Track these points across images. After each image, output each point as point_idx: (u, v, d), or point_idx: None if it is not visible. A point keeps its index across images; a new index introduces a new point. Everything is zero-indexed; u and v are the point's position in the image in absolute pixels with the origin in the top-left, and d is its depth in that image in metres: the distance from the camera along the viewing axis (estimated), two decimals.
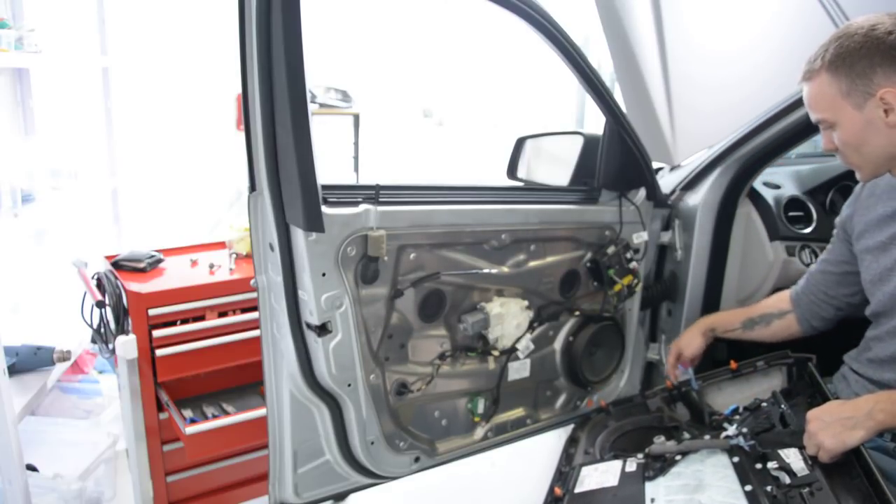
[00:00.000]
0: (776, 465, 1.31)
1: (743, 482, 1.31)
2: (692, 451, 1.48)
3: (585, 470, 1.58)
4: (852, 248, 1.61)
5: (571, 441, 1.76)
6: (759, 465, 1.34)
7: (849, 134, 1.38)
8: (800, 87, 1.45)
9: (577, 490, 1.51)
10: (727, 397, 1.75)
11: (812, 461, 1.30)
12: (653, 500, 1.37)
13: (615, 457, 1.59)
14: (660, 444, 1.54)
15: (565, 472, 1.61)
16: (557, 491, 1.52)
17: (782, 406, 1.52)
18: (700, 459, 1.45)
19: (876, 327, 1.52)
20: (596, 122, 2.39)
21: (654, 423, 1.72)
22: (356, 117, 4.93)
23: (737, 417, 1.58)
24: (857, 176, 1.47)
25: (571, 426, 1.86)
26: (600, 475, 1.53)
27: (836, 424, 1.28)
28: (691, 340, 1.82)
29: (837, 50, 1.34)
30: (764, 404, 1.55)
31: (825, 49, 1.36)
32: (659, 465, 1.46)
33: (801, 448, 1.34)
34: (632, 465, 1.52)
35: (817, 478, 1.25)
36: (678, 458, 1.47)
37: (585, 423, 1.81)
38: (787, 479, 1.28)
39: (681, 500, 1.33)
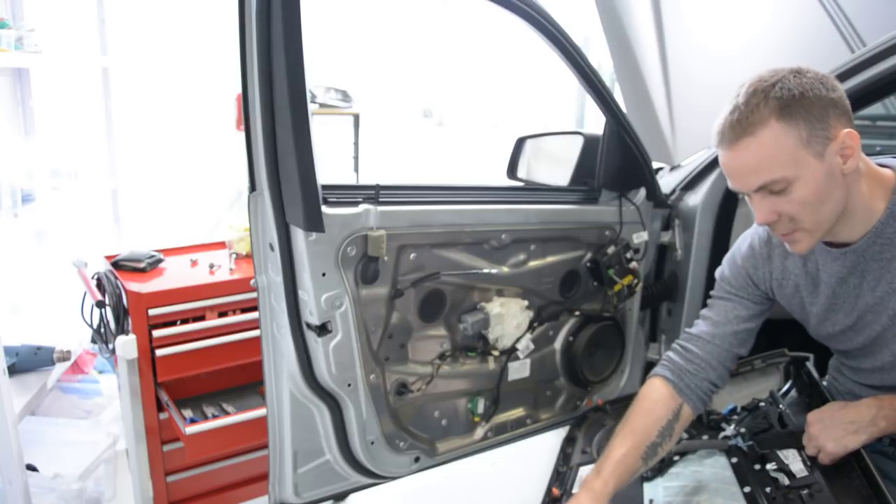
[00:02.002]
0: (775, 467, 1.31)
1: (742, 483, 1.31)
2: (690, 452, 1.48)
3: (583, 470, 1.58)
4: (767, 302, 1.49)
5: (568, 440, 1.76)
6: (757, 466, 1.34)
7: (811, 190, 1.17)
8: (723, 154, 1.22)
9: (575, 490, 1.51)
10: (725, 396, 1.74)
11: (811, 462, 1.30)
12: (651, 500, 1.37)
13: None
14: None
15: (563, 472, 1.61)
16: (555, 491, 1.52)
17: (780, 406, 1.52)
18: (698, 460, 1.45)
19: (852, 359, 1.45)
20: (596, 122, 2.39)
21: None
22: (356, 117, 4.94)
23: (735, 417, 1.58)
24: (798, 247, 1.26)
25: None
26: None
27: (837, 428, 1.27)
28: None
29: (782, 93, 1.15)
30: (762, 404, 1.55)
31: (760, 98, 1.16)
32: (657, 466, 1.46)
33: (800, 449, 1.34)
34: None
35: (816, 479, 1.25)
36: (676, 458, 1.47)
37: (582, 422, 1.81)
38: (786, 481, 1.28)
39: (679, 502, 1.33)
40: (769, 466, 1.33)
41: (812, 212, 1.20)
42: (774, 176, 1.17)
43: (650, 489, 1.41)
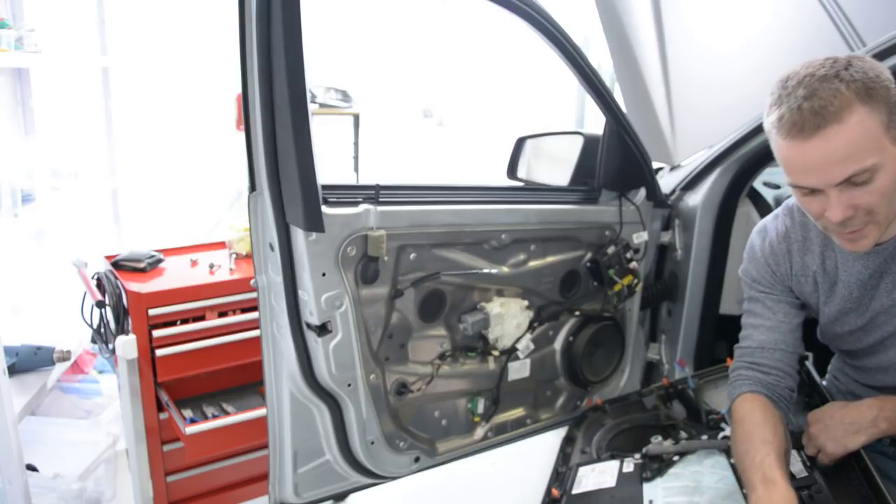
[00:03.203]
0: None
1: (742, 484, 1.31)
2: (690, 452, 1.47)
3: (583, 470, 1.58)
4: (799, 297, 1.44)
5: (568, 440, 1.76)
6: None
7: (891, 178, 1.10)
8: (795, 147, 1.11)
9: (575, 491, 1.51)
10: (723, 395, 1.74)
11: (811, 463, 1.29)
12: (651, 501, 1.37)
13: (612, 457, 1.59)
14: (657, 444, 1.53)
15: (562, 473, 1.61)
16: (555, 492, 1.52)
17: None
18: (698, 460, 1.45)
19: (856, 359, 1.44)
20: (596, 122, 2.39)
21: (651, 421, 1.72)
22: (356, 117, 4.93)
23: None
24: (864, 244, 1.18)
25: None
26: (598, 476, 1.53)
27: (837, 428, 1.27)
28: None
29: (859, 76, 1.08)
30: None
31: (837, 82, 1.07)
32: (657, 466, 1.46)
33: (800, 449, 1.33)
34: (629, 466, 1.52)
35: (816, 480, 1.25)
36: (676, 458, 1.47)
37: (581, 422, 1.81)
38: None
39: (679, 502, 1.33)
40: None
41: (888, 202, 1.13)
42: (865, 164, 1.08)
43: (650, 490, 1.41)
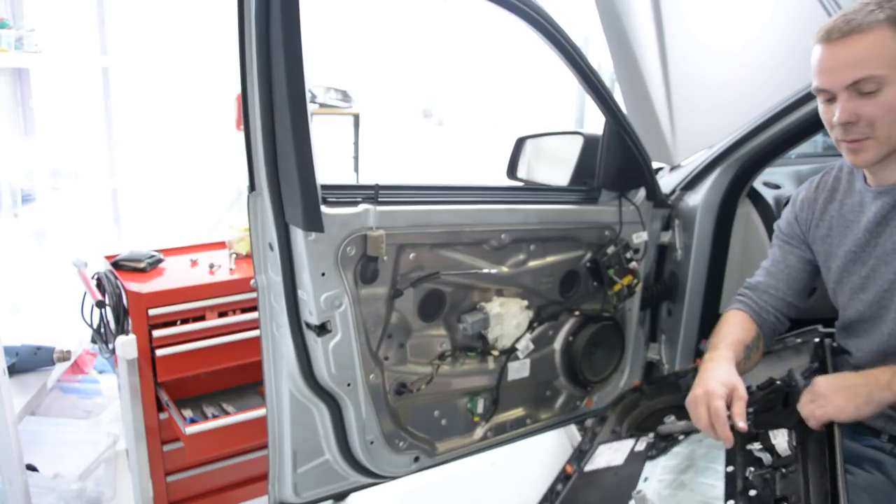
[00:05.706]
0: (760, 447, 1.30)
1: (728, 463, 1.30)
2: (695, 431, 1.47)
3: (601, 448, 1.59)
4: (809, 249, 1.56)
5: (600, 420, 1.76)
6: (749, 446, 1.33)
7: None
8: (824, 49, 1.27)
9: (588, 468, 1.51)
10: (759, 375, 1.70)
11: (797, 443, 1.27)
12: (646, 479, 1.38)
13: (631, 435, 1.60)
14: (670, 423, 1.54)
15: (585, 451, 1.61)
16: (568, 468, 1.53)
17: (791, 384, 1.49)
18: (699, 439, 1.45)
19: (857, 334, 1.44)
20: (596, 122, 2.39)
21: (680, 402, 1.70)
22: (356, 117, 4.94)
23: None
24: (862, 157, 1.30)
25: (571, 426, 1.85)
26: (612, 453, 1.55)
27: (848, 390, 1.24)
28: (731, 374, 1.36)
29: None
30: (778, 382, 1.52)
31: (875, 6, 1.24)
32: (663, 445, 1.46)
33: (790, 429, 1.32)
34: (641, 444, 1.53)
35: (794, 460, 1.23)
36: (681, 437, 1.47)
37: (618, 403, 1.80)
38: (769, 460, 1.26)
39: (669, 480, 1.34)
40: (755, 446, 1.31)
41: (891, 122, 1.25)
42: (872, 72, 1.22)
43: (650, 467, 1.42)
